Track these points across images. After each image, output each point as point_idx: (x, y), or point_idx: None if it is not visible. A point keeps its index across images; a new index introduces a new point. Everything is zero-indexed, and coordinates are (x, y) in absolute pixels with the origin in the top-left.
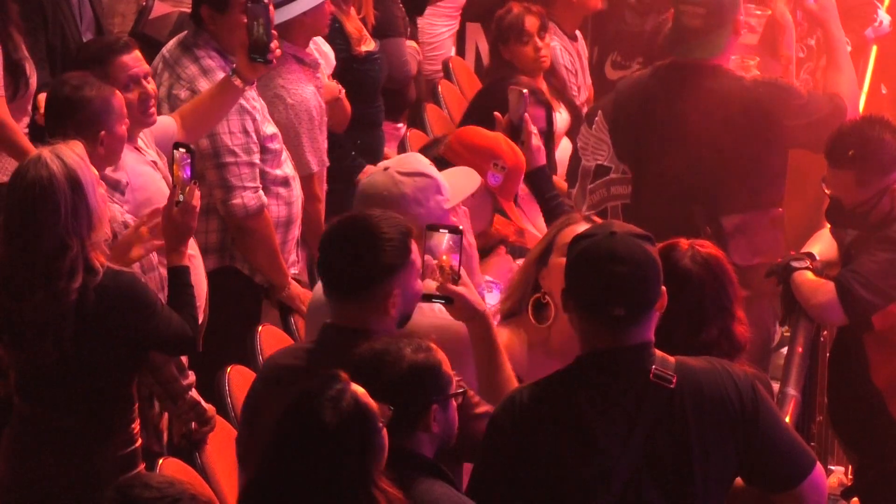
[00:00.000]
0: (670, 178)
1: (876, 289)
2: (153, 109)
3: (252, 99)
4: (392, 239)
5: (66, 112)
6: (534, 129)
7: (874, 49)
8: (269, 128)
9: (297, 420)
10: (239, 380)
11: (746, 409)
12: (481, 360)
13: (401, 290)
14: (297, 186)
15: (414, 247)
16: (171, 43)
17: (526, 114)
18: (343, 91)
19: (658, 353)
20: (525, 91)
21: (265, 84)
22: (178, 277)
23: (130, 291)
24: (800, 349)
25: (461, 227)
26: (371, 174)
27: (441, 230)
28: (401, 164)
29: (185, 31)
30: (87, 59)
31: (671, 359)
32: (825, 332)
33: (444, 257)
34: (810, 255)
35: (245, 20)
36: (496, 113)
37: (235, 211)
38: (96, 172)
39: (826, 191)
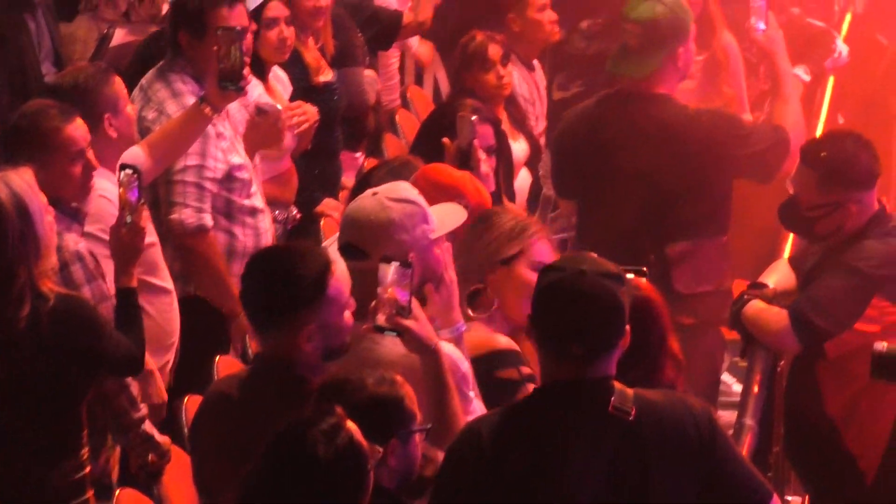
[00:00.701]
0: (614, 207)
1: (830, 316)
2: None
3: (220, 125)
4: (303, 275)
5: (19, 139)
6: (483, 156)
7: (831, 79)
8: (237, 158)
9: (287, 451)
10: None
11: (704, 440)
12: (431, 394)
13: (317, 325)
14: (266, 220)
15: (338, 281)
16: (150, 71)
17: (475, 140)
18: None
19: (617, 385)
20: (474, 118)
21: None
22: (127, 298)
23: (81, 314)
24: (757, 377)
25: (411, 262)
26: (359, 198)
27: (392, 262)
28: (390, 190)
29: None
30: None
31: (629, 391)
32: (782, 362)
33: (390, 290)
34: (763, 285)
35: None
36: (444, 139)
37: (172, 226)
38: (44, 199)
39: (790, 189)
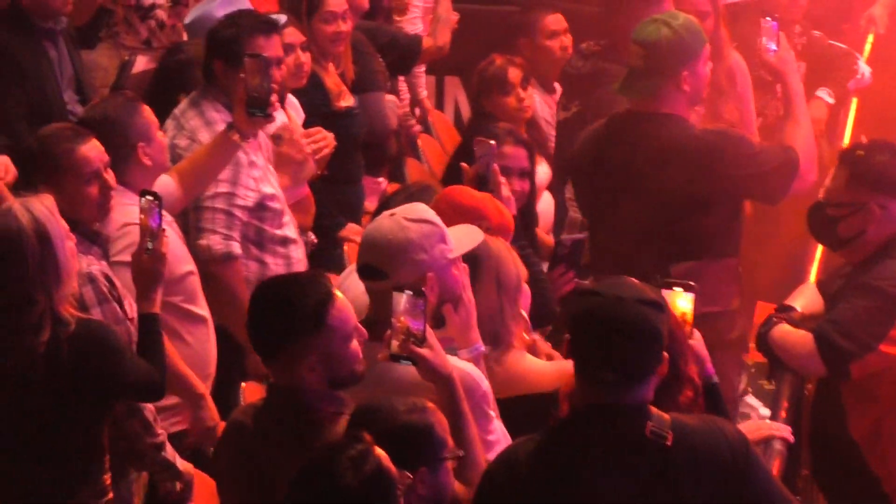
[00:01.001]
0: (622, 226)
1: (854, 337)
2: (112, 203)
3: (252, 154)
4: (302, 306)
5: (34, 162)
6: (503, 179)
7: (854, 101)
8: (268, 187)
9: (316, 478)
10: None
11: (739, 466)
12: (448, 423)
13: (319, 355)
14: (298, 250)
15: (339, 311)
16: (184, 100)
17: (494, 164)
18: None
19: (654, 410)
20: (493, 142)
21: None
22: (148, 325)
23: (102, 339)
24: (784, 401)
25: (424, 290)
26: (377, 219)
27: (405, 291)
28: (408, 210)
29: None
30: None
31: (667, 416)
32: (809, 385)
33: (402, 318)
34: (790, 308)
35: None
36: (462, 164)
37: (199, 252)
38: (66, 226)
39: (820, 195)
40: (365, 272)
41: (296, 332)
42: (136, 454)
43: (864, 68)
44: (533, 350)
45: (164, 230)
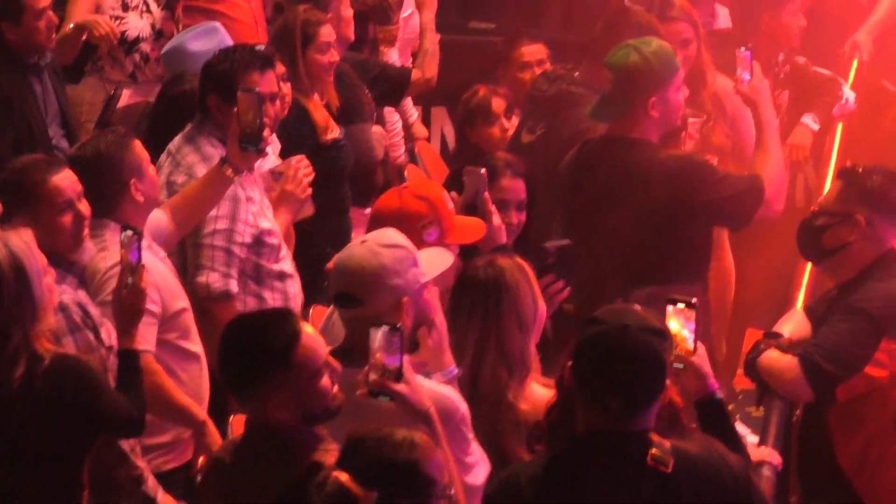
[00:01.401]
0: (590, 250)
1: (839, 361)
2: (86, 233)
3: (249, 189)
4: (268, 345)
5: (7, 192)
6: (493, 208)
7: (839, 126)
8: (266, 222)
9: None
10: None
11: (741, 494)
12: None
13: (287, 393)
14: (295, 284)
15: (306, 349)
16: (178, 136)
17: (486, 193)
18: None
19: (655, 437)
20: (483, 171)
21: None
22: (128, 360)
23: (78, 373)
24: (773, 429)
25: (400, 326)
26: (349, 247)
27: (381, 328)
28: (379, 236)
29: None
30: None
31: (667, 443)
32: (798, 411)
33: (378, 355)
34: (778, 335)
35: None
36: (452, 192)
37: (197, 289)
38: (44, 259)
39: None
40: (340, 300)
41: (263, 371)
42: (113, 486)
43: (849, 93)
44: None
45: (143, 265)
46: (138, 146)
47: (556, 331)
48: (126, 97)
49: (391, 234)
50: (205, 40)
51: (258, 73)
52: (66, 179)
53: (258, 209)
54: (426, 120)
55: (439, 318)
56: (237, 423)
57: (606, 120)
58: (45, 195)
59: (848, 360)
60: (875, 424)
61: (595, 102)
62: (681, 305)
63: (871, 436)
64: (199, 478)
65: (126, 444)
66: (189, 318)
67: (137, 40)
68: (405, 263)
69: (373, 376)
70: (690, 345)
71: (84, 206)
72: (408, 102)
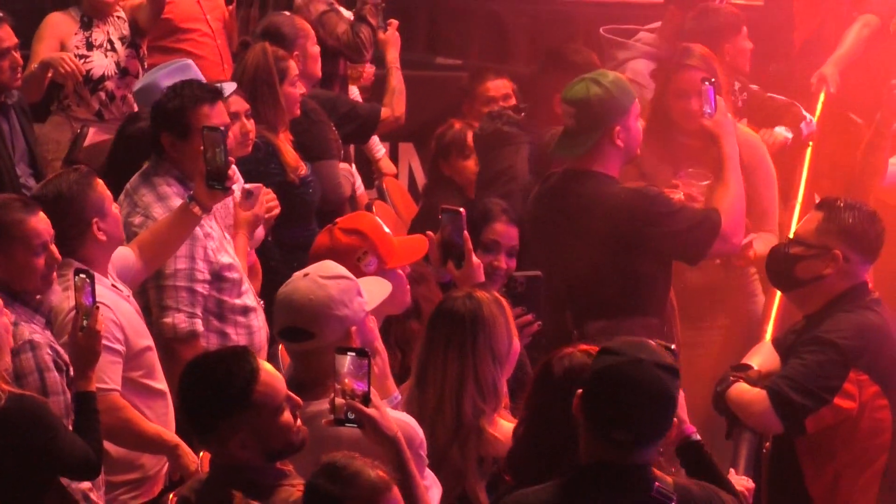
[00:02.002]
0: (548, 282)
1: (808, 392)
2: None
3: (207, 226)
4: (226, 386)
5: None
6: (471, 247)
7: (808, 154)
8: (226, 257)
9: None
10: None
11: None
12: (396, 483)
13: (249, 432)
14: (259, 317)
15: (265, 386)
16: (135, 176)
17: (465, 232)
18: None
19: (657, 472)
20: (462, 210)
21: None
22: (85, 403)
23: (34, 414)
24: (742, 462)
25: (367, 350)
26: (290, 281)
27: (348, 353)
28: (321, 269)
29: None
30: None
31: (668, 478)
32: (767, 444)
33: (346, 380)
34: (747, 367)
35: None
36: (428, 231)
37: (164, 329)
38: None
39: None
40: (288, 335)
41: (223, 412)
42: None
43: (808, 116)
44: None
45: (97, 307)
46: (100, 185)
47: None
48: (92, 135)
49: (332, 266)
50: (178, 77)
51: (208, 107)
52: (42, 222)
53: (217, 245)
54: (393, 156)
55: (380, 346)
56: (206, 460)
57: (573, 154)
58: (21, 236)
59: (816, 392)
60: (845, 455)
61: (559, 137)
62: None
63: (841, 467)
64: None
65: (82, 500)
66: (154, 357)
67: (102, 78)
68: (350, 293)
69: (338, 403)
70: None
71: (55, 250)
72: (375, 139)
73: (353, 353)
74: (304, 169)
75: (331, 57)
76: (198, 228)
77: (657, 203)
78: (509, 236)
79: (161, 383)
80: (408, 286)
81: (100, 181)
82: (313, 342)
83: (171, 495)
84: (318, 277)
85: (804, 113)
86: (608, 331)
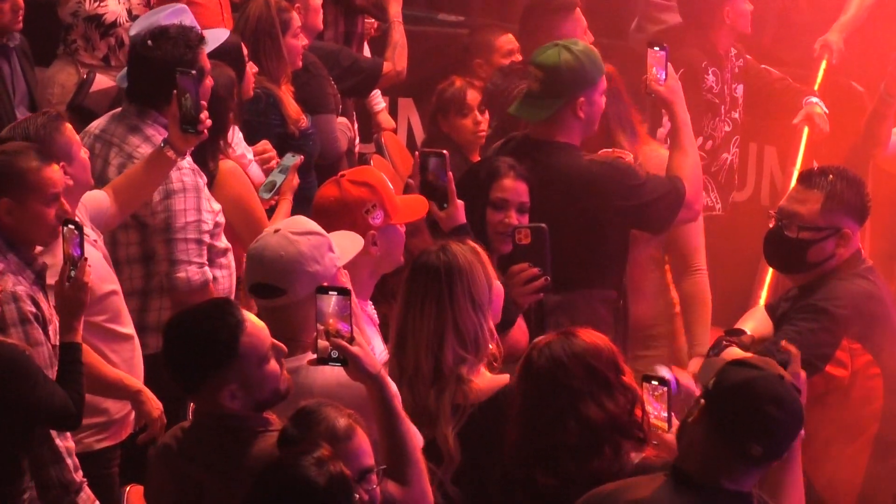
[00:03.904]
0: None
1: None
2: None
3: (198, 174)
4: (212, 339)
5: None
6: (453, 188)
7: (805, 130)
8: (215, 204)
9: (281, 477)
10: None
11: None
12: (380, 422)
13: (237, 383)
14: (231, 255)
15: (250, 337)
16: (104, 122)
17: (449, 173)
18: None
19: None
20: (445, 151)
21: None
22: (69, 354)
23: (11, 362)
24: None
25: (349, 288)
26: (261, 237)
27: (329, 293)
28: (292, 224)
29: (119, 110)
30: None
31: None
32: None
33: (331, 320)
34: (740, 332)
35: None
36: (409, 180)
37: (179, 284)
38: None
39: (771, 212)
40: (259, 291)
41: (211, 365)
42: (40, 484)
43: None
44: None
45: (85, 259)
46: (69, 130)
47: None
48: (102, 82)
49: (303, 222)
50: (177, 20)
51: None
52: (57, 173)
53: (208, 193)
54: (393, 111)
55: (354, 300)
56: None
57: (531, 118)
58: (36, 184)
59: (809, 359)
60: (835, 423)
61: (521, 98)
62: (654, 382)
63: (831, 436)
64: (147, 449)
65: (66, 455)
66: (119, 301)
67: (115, 24)
68: (321, 249)
69: (322, 342)
70: (664, 423)
71: (66, 202)
72: (376, 92)
73: (336, 293)
74: (304, 121)
75: (352, 15)
76: (199, 180)
77: (628, 176)
78: (518, 192)
79: (127, 327)
80: (404, 244)
81: (68, 126)
82: (284, 298)
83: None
84: (289, 234)
85: (802, 88)
86: (566, 304)
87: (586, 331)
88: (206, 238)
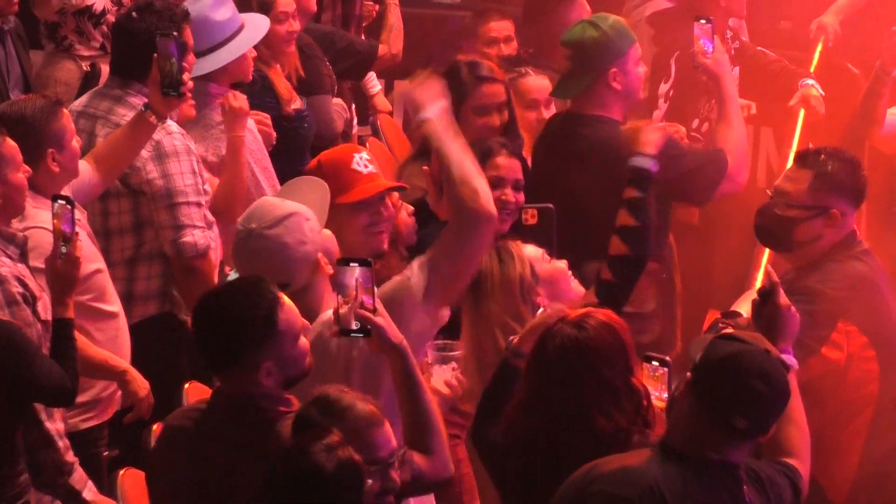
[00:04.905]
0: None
1: (795, 341)
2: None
3: (188, 138)
4: (252, 316)
5: None
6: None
7: (801, 112)
8: (206, 171)
9: (291, 463)
10: (132, 482)
11: None
12: (403, 392)
13: (273, 361)
14: (216, 230)
15: (287, 313)
16: (87, 98)
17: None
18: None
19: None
20: None
21: (206, 124)
22: (62, 330)
23: (8, 338)
24: None
25: (370, 260)
26: (238, 244)
27: (351, 264)
28: (258, 218)
29: (100, 86)
30: None
31: None
32: None
33: (354, 292)
34: (736, 314)
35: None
36: (424, 167)
37: (186, 249)
38: None
39: (768, 192)
40: None
41: (250, 343)
42: (33, 469)
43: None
44: None
45: (77, 234)
46: (66, 117)
47: None
48: (107, 71)
49: (268, 209)
50: (222, 9)
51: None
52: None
53: (197, 157)
54: (388, 94)
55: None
56: (193, 391)
57: (569, 96)
58: (5, 154)
59: (805, 341)
60: (831, 406)
61: (558, 80)
62: (655, 363)
63: (827, 420)
64: (143, 431)
65: (57, 437)
66: (104, 279)
67: (104, 12)
68: (300, 227)
69: (344, 312)
70: (664, 403)
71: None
72: (371, 75)
73: (357, 264)
74: (298, 101)
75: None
76: (189, 142)
77: (667, 146)
78: (512, 169)
79: (112, 305)
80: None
81: (66, 113)
82: (290, 289)
83: (155, 425)
84: (264, 231)
85: (798, 71)
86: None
87: (600, 319)
88: (204, 201)
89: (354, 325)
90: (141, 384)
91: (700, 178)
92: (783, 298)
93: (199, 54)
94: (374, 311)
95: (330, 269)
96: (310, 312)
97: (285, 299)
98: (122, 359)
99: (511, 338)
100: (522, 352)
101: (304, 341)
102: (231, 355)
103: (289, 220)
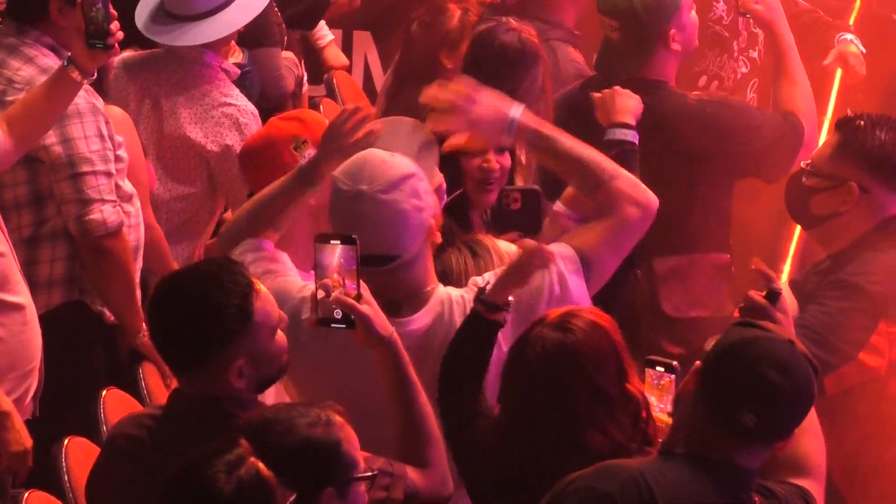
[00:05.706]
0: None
1: (829, 345)
2: None
3: (93, 95)
4: (223, 305)
5: None
6: None
7: (838, 72)
8: (118, 135)
9: (187, 483)
10: (79, 454)
11: None
12: (394, 393)
13: (247, 357)
14: (138, 205)
15: (263, 302)
16: None
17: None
18: None
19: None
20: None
21: (208, 105)
22: None
23: None
24: None
25: (355, 237)
26: (344, 202)
27: (331, 241)
28: (371, 181)
29: None
30: None
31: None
32: None
33: (335, 275)
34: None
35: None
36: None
37: (93, 228)
38: None
39: (802, 164)
40: (369, 262)
41: (221, 337)
42: None
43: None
44: None
45: None
46: None
47: None
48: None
49: (381, 168)
50: None
51: None
52: None
53: (105, 118)
54: (347, 46)
55: None
56: (112, 399)
57: (627, 73)
58: None
59: (840, 345)
60: (870, 423)
61: (600, 52)
62: (660, 369)
63: (865, 437)
64: (52, 448)
65: None
66: (8, 266)
67: None
68: (418, 191)
69: (324, 301)
70: (666, 416)
71: None
72: (321, 24)
73: (338, 241)
74: (239, 54)
75: None
76: (94, 100)
77: (744, 116)
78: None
79: (17, 296)
80: None
81: None
82: (399, 260)
83: (66, 440)
84: (379, 195)
85: (834, 23)
86: (681, 269)
87: (587, 318)
88: (114, 170)
89: (336, 315)
90: (20, 436)
91: (780, 151)
92: (779, 314)
93: (195, 18)
94: (359, 297)
95: (439, 237)
96: (418, 286)
97: (261, 286)
98: (27, 374)
99: (481, 285)
100: (497, 303)
101: (281, 335)
102: (197, 351)
103: (405, 183)
